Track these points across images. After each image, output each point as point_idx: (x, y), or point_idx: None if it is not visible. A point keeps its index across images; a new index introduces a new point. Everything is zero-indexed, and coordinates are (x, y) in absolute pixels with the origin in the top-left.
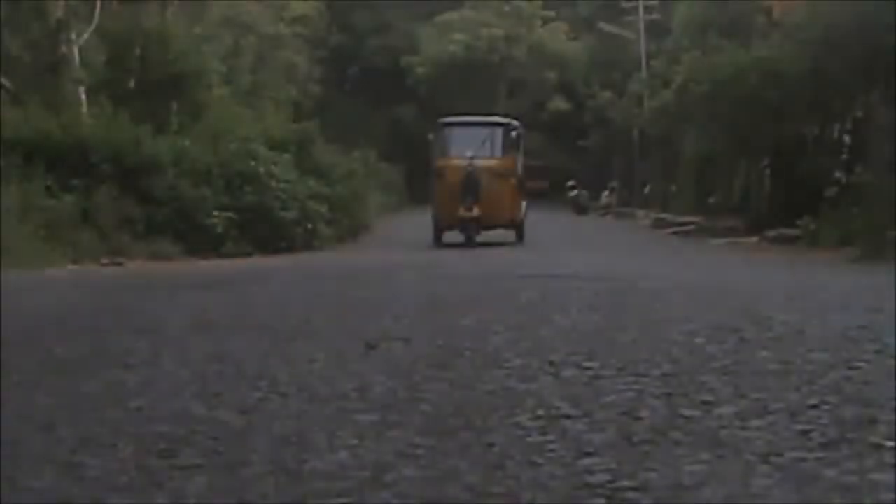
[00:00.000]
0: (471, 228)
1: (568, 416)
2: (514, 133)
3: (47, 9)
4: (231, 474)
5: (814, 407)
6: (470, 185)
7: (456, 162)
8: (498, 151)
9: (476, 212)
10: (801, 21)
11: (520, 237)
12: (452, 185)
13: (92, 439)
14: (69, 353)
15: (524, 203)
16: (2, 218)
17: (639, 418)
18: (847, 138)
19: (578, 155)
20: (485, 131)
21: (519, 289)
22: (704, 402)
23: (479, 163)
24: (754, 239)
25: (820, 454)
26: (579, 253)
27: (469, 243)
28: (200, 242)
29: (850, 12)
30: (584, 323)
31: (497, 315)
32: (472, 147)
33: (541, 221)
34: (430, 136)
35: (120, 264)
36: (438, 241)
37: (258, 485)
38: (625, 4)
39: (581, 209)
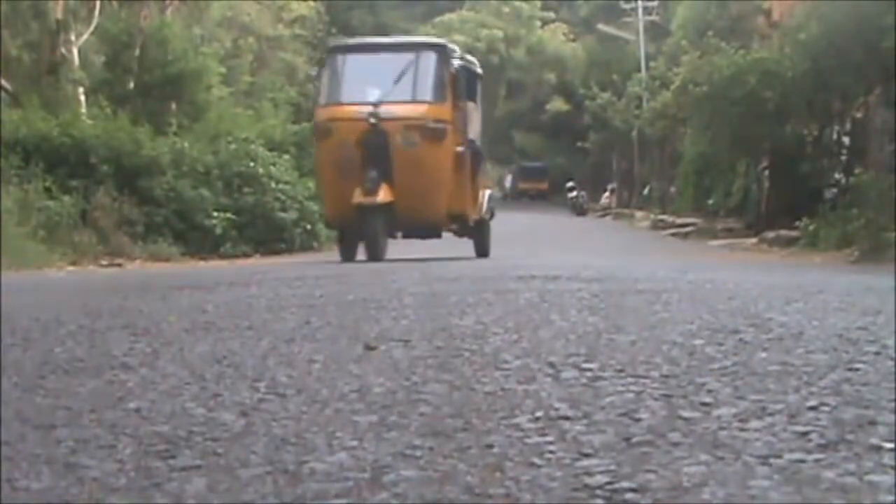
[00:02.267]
0: (375, 226)
1: (567, 418)
2: (455, 64)
3: (46, 9)
4: (230, 475)
5: (813, 408)
6: (374, 149)
7: (351, 111)
8: (426, 93)
9: (384, 196)
10: (800, 22)
11: (482, 250)
12: (344, 149)
13: (91, 440)
14: (68, 354)
15: (487, 192)
16: (1, 219)
17: (638, 419)
18: (846, 139)
19: (577, 156)
20: (402, 59)
21: (518, 290)
22: (703, 404)
23: (392, 110)
24: (753, 240)
25: (819, 455)
26: (578, 254)
27: (374, 256)
28: (199, 243)
29: (849, 13)
30: (583, 324)
31: (496, 316)
32: (378, 85)
33: (539, 222)
34: (312, 72)
35: (119, 265)
36: (345, 254)
37: (257, 485)
38: (624, 5)
39: (580, 210)
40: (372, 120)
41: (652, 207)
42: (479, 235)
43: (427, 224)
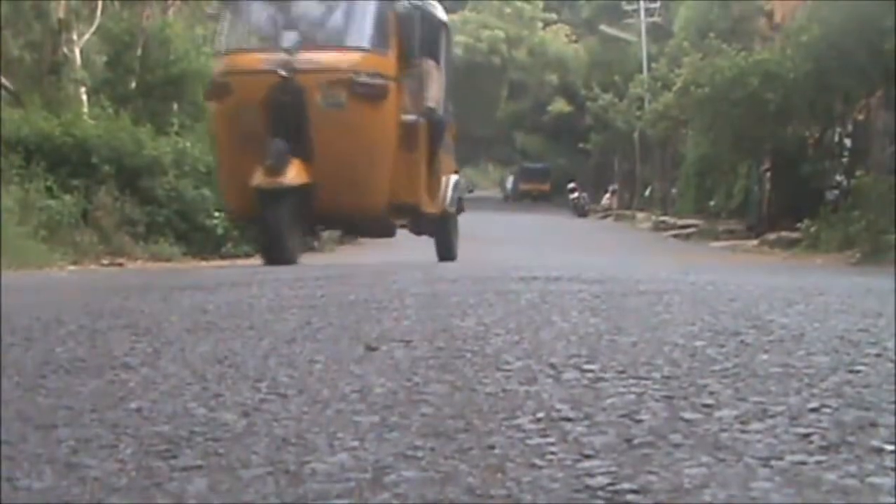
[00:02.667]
0: (280, 218)
1: (568, 419)
2: (406, 2)
3: (48, 9)
4: (231, 475)
5: (814, 410)
6: (283, 112)
7: (256, 60)
8: (361, 38)
9: (296, 176)
10: (801, 24)
11: (445, 251)
12: (245, 112)
13: (92, 440)
14: (69, 354)
15: (452, 178)
16: (2, 218)
17: (639, 421)
18: (848, 141)
19: (579, 157)
20: None
21: (519, 290)
22: (705, 405)
23: (312, 59)
24: (755, 242)
25: (820, 457)
26: (579, 255)
27: (277, 259)
28: (201, 243)
29: (851, 15)
30: (584, 325)
31: (497, 317)
32: (295, 26)
33: (540, 223)
34: (210, 10)
35: (120, 265)
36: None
37: (258, 486)
38: (626, 7)
39: (581, 212)
40: (283, 72)
41: (653, 209)
42: (441, 233)
43: (360, 216)
